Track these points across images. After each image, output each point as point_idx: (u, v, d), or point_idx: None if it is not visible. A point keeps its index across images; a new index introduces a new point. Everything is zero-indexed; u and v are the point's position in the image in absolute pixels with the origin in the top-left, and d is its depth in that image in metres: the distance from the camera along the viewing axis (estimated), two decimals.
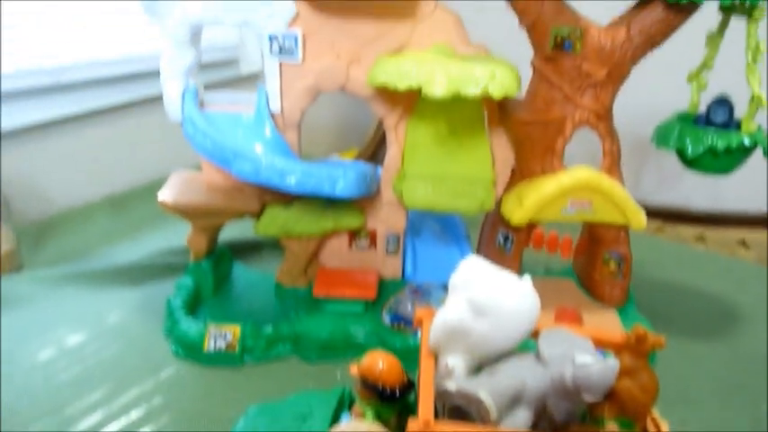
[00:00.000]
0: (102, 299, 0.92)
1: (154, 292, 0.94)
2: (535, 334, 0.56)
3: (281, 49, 0.81)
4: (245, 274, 0.98)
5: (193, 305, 0.87)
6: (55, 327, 0.85)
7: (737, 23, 0.78)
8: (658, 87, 1.37)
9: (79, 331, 0.85)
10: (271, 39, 0.81)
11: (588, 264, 0.89)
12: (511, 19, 0.79)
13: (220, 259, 0.94)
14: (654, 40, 0.77)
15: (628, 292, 0.88)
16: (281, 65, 0.82)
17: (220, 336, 0.80)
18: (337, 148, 1.97)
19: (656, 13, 0.75)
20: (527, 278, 0.54)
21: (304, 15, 0.80)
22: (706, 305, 0.96)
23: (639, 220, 0.80)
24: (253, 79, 1.67)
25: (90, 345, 0.82)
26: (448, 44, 0.81)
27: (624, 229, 0.85)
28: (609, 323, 0.84)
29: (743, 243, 1.60)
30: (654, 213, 1.63)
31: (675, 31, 0.77)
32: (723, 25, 0.80)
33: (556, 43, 0.77)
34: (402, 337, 0.81)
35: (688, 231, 1.65)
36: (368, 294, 0.87)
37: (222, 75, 1.59)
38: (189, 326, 0.81)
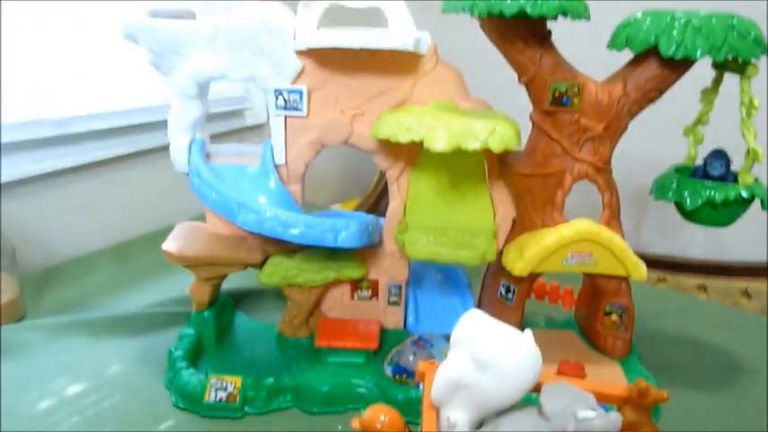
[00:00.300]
0: (104, 349, 0.92)
1: (155, 342, 0.94)
2: (537, 388, 0.56)
3: (286, 104, 0.83)
4: (246, 324, 0.99)
5: (195, 356, 0.87)
6: (55, 377, 0.85)
7: (732, 78, 0.80)
8: (658, 138, 1.39)
9: (79, 381, 0.84)
10: (276, 93, 0.83)
11: (590, 315, 0.90)
12: (510, 73, 0.82)
13: (222, 309, 0.94)
14: (650, 95, 0.78)
15: (630, 343, 0.88)
16: (285, 118, 0.84)
17: (221, 387, 0.80)
18: (339, 197, 1.99)
19: (651, 70, 0.77)
20: (528, 333, 0.54)
21: (309, 71, 0.82)
22: (709, 356, 0.96)
23: (640, 271, 0.81)
24: (257, 130, 1.70)
25: (90, 395, 0.82)
26: (449, 99, 0.83)
27: (625, 280, 0.85)
28: (612, 375, 0.84)
29: (745, 293, 1.59)
30: (655, 263, 1.63)
31: (671, 87, 0.79)
32: (717, 81, 0.82)
33: (554, 98, 0.79)
34: (404, 389, 0.80)
35: (690, 281, 1.64)
36: (370, 345, 0.87)
37: (228, 125, 1.61)
38: (190, 377, 0.81)
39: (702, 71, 0.80)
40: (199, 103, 0.85)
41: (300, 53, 0.81)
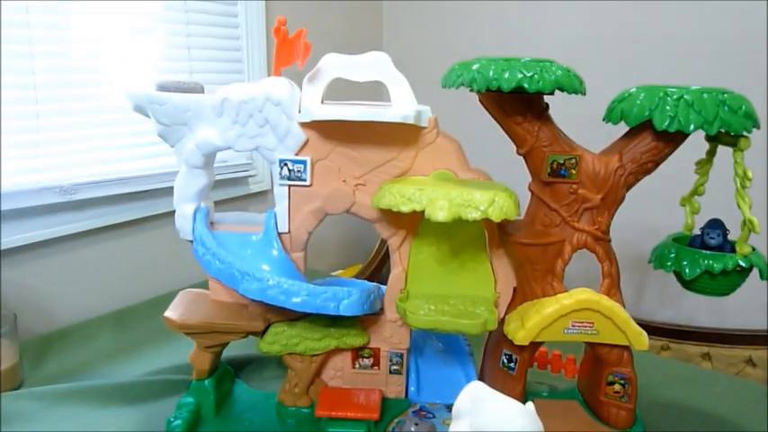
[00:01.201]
0: (103, 417, 0.91)
1: (155, 410, 0.93)
2: None
3: (290, 174, 0.85)
4: (246, 393, 0.98)
5: (194, 425, 0.86)
6: None
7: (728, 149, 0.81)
8: (657, 207, 1.41)
9: None
10: (281, 164, 0.85)
11: (593, 385, 0.89)
12: (509, 145, 0.84)
13: (223, 378, 0.94)
14: (646, 167, 0.80)
15: (635, 413, 0.87)
16: (289, 188, 0.86)
17: None
18: (341, 264, 2.00)
19: (646, 142, 0.79)
20: (530, 405, 0.54)
21: (313, 142, 0.84)
22: (714, 428, 0.94)
23: (642, 341, 0.81)
24: (261, 196, 1.72)
25: None
26: (449, 169, 0.85)
27: (627, 349, 0.85)
28: None
29: (749, 361, 1.58)
30: (658, 331, 1.62)
31: (666, 159, 0.81)
32: (711, 153, 0.84)
33: (552, 170, 0.81)
34: None
35: (694, 349, 1.63)
36: (371, 415, 0.86)
37: (233, 192, 1.63)
38: None
39: (701, 141, 0.82)
40: (205, 173, 0.87)
41: (305, 125, 0.83)
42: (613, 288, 0.84)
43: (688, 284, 0.84)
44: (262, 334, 0.88)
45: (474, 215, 0.74)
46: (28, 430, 0.87)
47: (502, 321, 0.86)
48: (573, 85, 0.76)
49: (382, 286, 0.91)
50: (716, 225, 0.84)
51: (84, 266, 1.31)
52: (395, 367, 0.92)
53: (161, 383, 1.00)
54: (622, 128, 0.82)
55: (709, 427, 0.94)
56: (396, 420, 0.87)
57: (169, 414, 0.86)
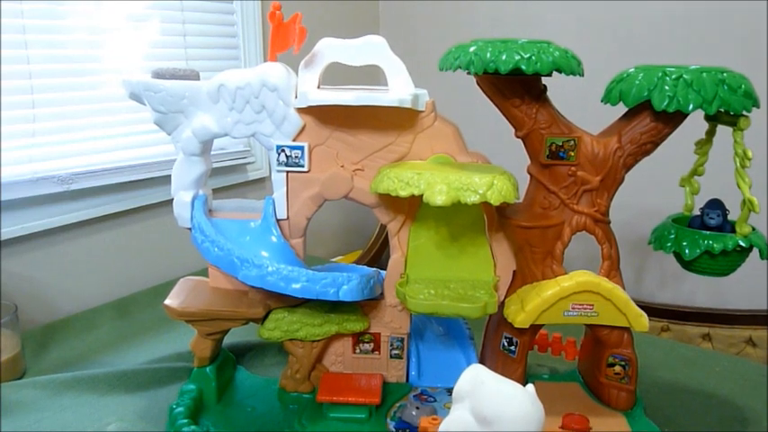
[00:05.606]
0: (105, 405, 0.91)
1: (157, 398, 0.93)
2: None
3: (288, 160, 0.85)
4: (248, 379, 0.98)
5: (196, 412, 0.86)
6: None
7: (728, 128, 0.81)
8: (656, 188, 1.41)
9: None
10: (278, 150, 0.84)
11: (593, 367, 0.89)
12: (508, 127, 0.83)
13: (224, 365, 0.94)
14: (645, 148, 0.80)
15: (635, 395, 0.88)
16: (287, 174, 0.86)
17: None
18: (341, 250, 2.00)
19: (645, 123, 0.79)
20: (531, 387, 0.54)
21: (310, 128, 0.84)
22: (715, 408, 0.95)
23: (642, 322, 0.81)
24: (259, 183, 1.72)
25: None
26: (447, 153, 0.84)
27: (628, 331, 0.85)
28: (617, 428, 0.83)
29: (750, 341, 1.58)
30: (658, 312, 1.62)
31: (666, 139, 0.80)
32: (710, 133, 0.84)
33: (551, 152, 0.81)
34: None
35: (694, 330, 1.63)
36: (372, 400, 0.86)
37: (231, 179, 1.63)
38: None
39: (701, 121, 0.82)
40: (202, 160, 0.87)
41: (302, 111, 0.83)
42: (613, 270, 0.83)
43: (688, 265, 0.84)
44: (262, 320, 0.88)
45: (473, 199, 0.74)
46: (31, 419, 0.88)
47: (502, 305, 0.86)
48: (571, 67, 0.75)
49: (382, 271, 0.91)
50: (716, 205, 0.84)
51: (84, 256, 1.31)
52: (395, 352, 0.92)
53: (163, 371, 1.00)
54: (621, 109, 0.81)
55: (709, 408, 0.95)
56: (397, 404, 0.87)
57: (171, 401, 0.86)
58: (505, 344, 0.88)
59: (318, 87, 0.83)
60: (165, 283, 1.34)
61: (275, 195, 0.87)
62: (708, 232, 0.82)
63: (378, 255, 1.89)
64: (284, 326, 0.87)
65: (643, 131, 0.79)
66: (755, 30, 1.55)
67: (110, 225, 1.35)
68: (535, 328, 0.84)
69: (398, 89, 0.81)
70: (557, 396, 0.89)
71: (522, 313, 0.81)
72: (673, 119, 0.77)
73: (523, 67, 0.72)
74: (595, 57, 1.09)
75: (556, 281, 0.81)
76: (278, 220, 0.87)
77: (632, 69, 0.79)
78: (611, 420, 0.84)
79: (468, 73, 0.78)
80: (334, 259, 1.81)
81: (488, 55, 0.73)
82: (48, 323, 1.19)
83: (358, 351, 0.93)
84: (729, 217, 0.84)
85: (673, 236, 0.84)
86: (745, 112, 0.76)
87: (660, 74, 0.75)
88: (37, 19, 1.20)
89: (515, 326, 0.82)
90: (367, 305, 0.90)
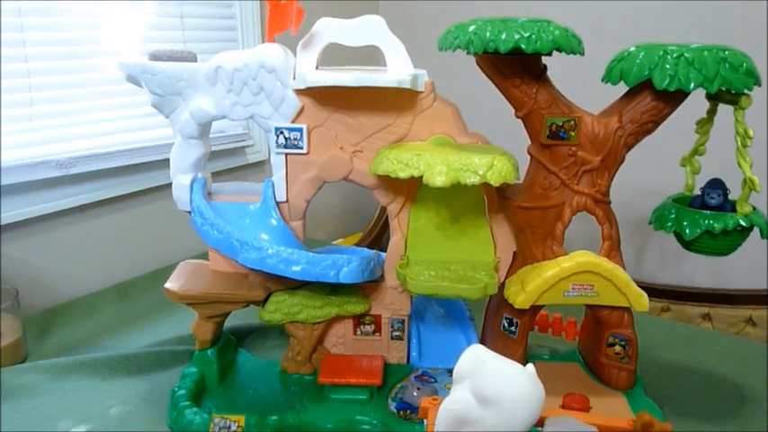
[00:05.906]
0: (107, 389, 0.92)
1: (159, 381, 0.93)
2: (540, 422, 0.55)
3: (287, 142, 0.84)
4: (249, 361, 0.98)
5: (198, 395, 0.87)
6: (57, 419, 0.85)
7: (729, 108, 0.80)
8: (656, 168, 1.40)
9: (82, 423, 0.84)
10: (277, 132, 0.84)
11: (593, 347, 0.89)
12: (508, 108, 0.83)
13: (225, 347, 0.94)
14: (646, 127, 0.79)
15: (635, 374, 0.88)
16: (286, 156, 0.85)
17: (225, 426, 0.79)
18: (341, 233, 2.00)
19: (645, 102, 0.78)
20: (531, 367, 0.54)
21: (309, 109, 0.83)
22: (715, 387, 0.95)
23: (642, 302, 0.81)
24: (259, 166, 1.71)
25: None
26: (447, 134, 0.84)
27: (628, 311, 0.85)
28: (617, 407, 0.83)
29: (750, 321, 1.59)
30: (659, 293, 1.63)
31: (667, 119, 0.80)
32: (711, 112, 0.83)
33: (551, 132, 0.80)
34: (408, 424, 0.80)
35: (694, 310, 1.64)
36: (373, 381, 0.86)
37: (230, 163, 1.62)
38: (193, 416, 0.80)
39: (702, 100, 0.81)
40: (201, 143, 0.86)
41: (300, 92, 0.83)
42: (614, 250, 0.83)
43: (688, 245, 0.84)
44: (263, 303, 0.88)
45: (473, 180, 0.74)
46: (34, 402, 0.88)
47: (502, 286, 0.86)
48: (571, 46, 0.74)
49: (382, 253, 0.91)
50: (716, 185, 0.84)
51: (84, 240, 1.31)
52: (396, 333, 0.93)
53: (164, 354, 1.00)
54: (621, 88, 0.81)
55: (709, 387, 0.95)
56: (398, 386, 0.87)
57: (173, 384, 0.87)
58: (506, 324, 0.88)
59: (317, 68, 0.83)
60: (165, 266, 1.34)
61: (274, 178, 0.87)
62: (708, 212, 0.82)
63: (378, 237, 1.89)
64: (285, 308, 0.88)
65: (644, 111, 0.78)
66: (757, 8, 1.54)
67: (110, 209, 1.35)
68: (535, 308, 0.85)
69: (397, 69, 0.81)
70: (557, 376, 0.89)
71: (522, 294, 0.81)
72: (674, 98, 0.77)
73: (523, 47, 0.72)
74: (596, 36, 1.08)
75: (556, 261, 0.81)
76: (277, 203, 0.87)
77: (633, 48, 0.78)
78: (611, 400, 0.85)
79: (468, 53, 0.77)
80: (334, 242, 1.81)
81: (488, 34, 0.72)
82: (49, 308, 1.20)
83: (359, 333, 0.93)
84: (730, 196, 0.84)
85: (673, 216, 0.83)
86: (746, 91, 0.76)
87: (661, 52, 0.74)
88: (33, 2, 1.18)
89: (516, 306, 0.82)
90: (367, 287, 0.90)
